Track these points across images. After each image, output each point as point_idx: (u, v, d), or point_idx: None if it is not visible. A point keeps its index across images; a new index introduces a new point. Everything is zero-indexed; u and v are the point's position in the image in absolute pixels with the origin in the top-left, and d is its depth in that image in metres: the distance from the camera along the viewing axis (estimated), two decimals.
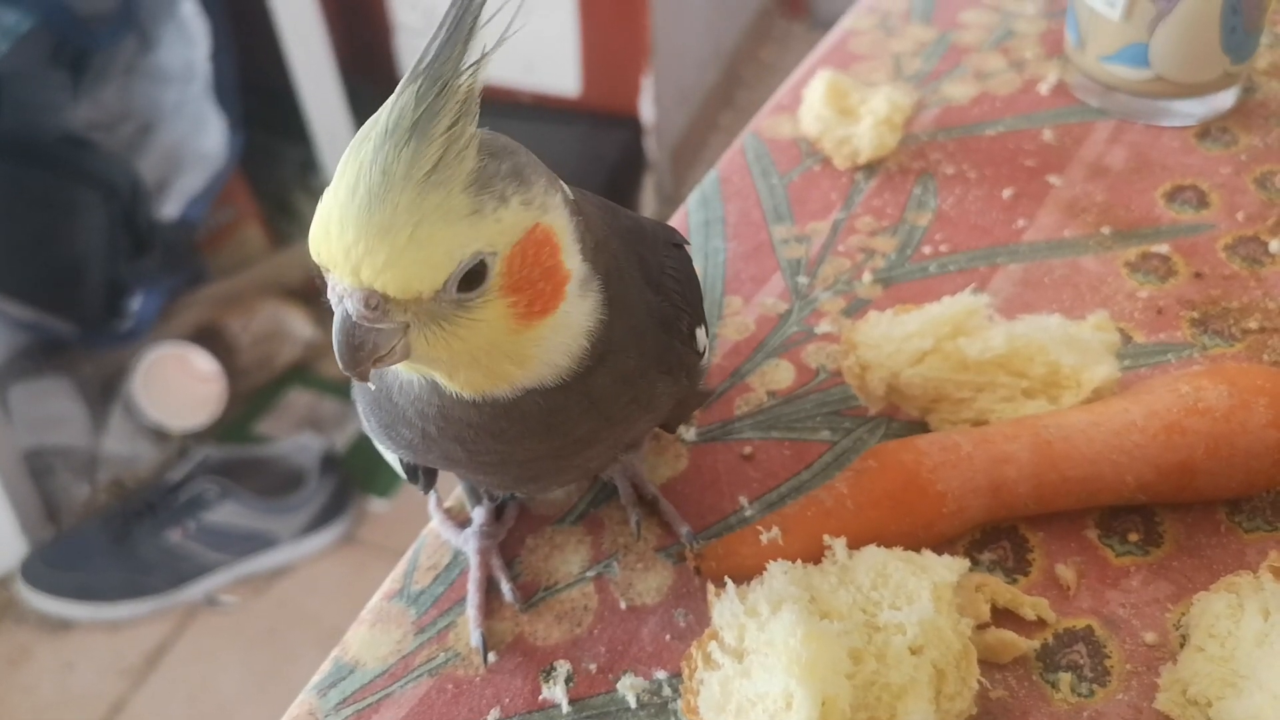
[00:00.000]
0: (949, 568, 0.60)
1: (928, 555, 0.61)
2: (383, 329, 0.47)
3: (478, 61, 0.46)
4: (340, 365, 0.48)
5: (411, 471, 0.63)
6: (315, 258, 0.47)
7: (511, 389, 0.52)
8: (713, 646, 0.57)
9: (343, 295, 0.47)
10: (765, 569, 0.60)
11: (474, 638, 0.63)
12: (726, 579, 0.60)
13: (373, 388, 0.55)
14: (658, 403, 0.59)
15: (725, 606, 0.58)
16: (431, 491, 0.68)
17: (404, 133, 0.45)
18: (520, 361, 0.51)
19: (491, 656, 0.63)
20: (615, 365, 0.55)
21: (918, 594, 0.58)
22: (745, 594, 0.59)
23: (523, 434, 0.54)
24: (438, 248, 0.46)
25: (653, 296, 0.58)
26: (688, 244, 0.65)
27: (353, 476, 2.07)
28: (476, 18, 0.46)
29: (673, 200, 2.48)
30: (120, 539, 1.94)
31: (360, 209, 0.45)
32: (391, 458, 0.63)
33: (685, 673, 0.58)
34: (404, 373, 0.53)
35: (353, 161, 0.46)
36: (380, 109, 0.46)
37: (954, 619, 0.58)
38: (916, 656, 0.56)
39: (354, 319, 0.47)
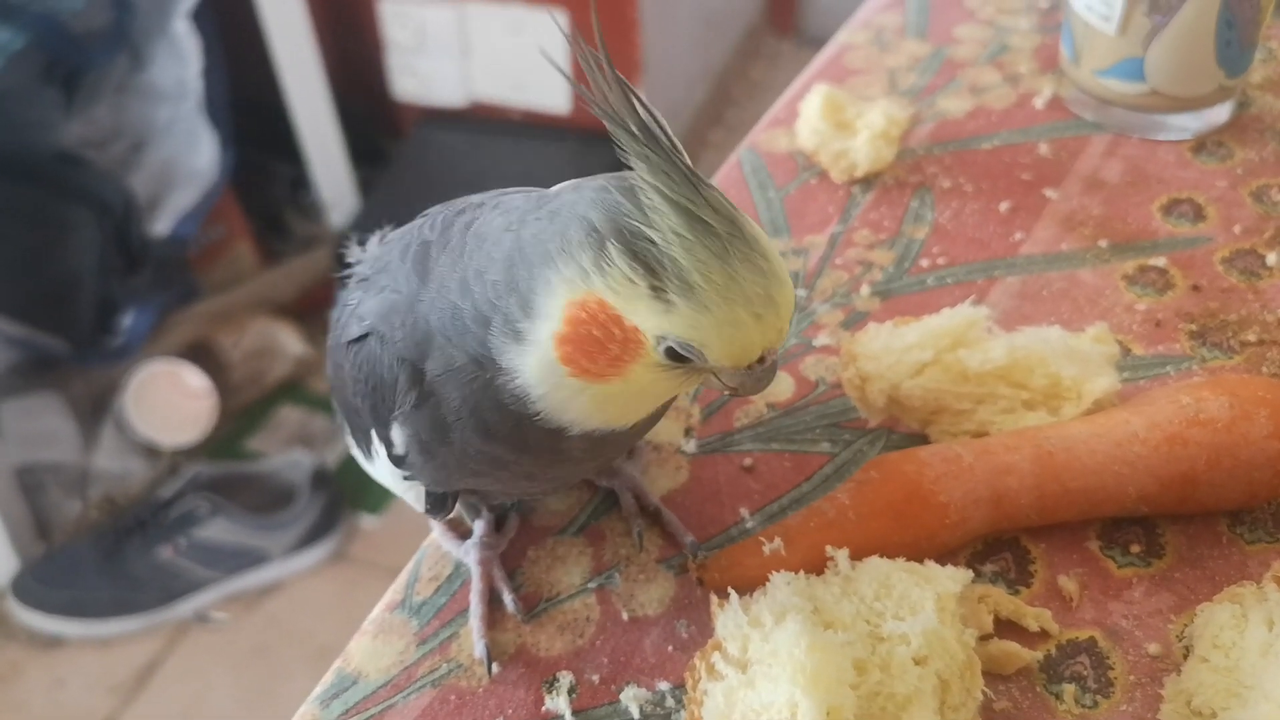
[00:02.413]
0: (952, 578, 0.59)
1: (931, 566, 0.60)
2: None
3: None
4: None
5: (439, 500, 0.63)
6: (759, 350, 0.51)
7: None
8: (716, 657, 0.57)
9: (771, 357, 0.52)
10: (768, 580, 0.60)
11: (477, 649, 0.63)
12: (730, 590, 0.60)
13: None
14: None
15: (729, 617, 0.58)
16: None
17: (729, 211, 0.49)
18: None
19: (495, 667, 0.63)
20: None
21: (921, 605, 0.58)
22: (749, 605, 0.59)
23: (591, 448, 0.57)
24: None
25: None
26: None
27: (343, 493, 2.07)
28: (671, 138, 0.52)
29: None
30: (111, 556, 1.93)
31: (777, 276, 0.50)
32: (412, 496, 0.63)
33: (689, 683, 0.58)
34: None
35: (743, 249, 0.49)
36: (694, 209, 0.49)
37: (958, 630, 0.58)
38: (921, 667, 0.56)
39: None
